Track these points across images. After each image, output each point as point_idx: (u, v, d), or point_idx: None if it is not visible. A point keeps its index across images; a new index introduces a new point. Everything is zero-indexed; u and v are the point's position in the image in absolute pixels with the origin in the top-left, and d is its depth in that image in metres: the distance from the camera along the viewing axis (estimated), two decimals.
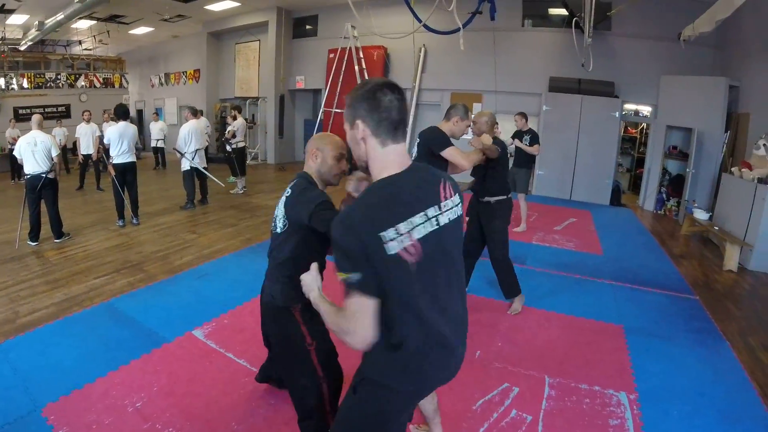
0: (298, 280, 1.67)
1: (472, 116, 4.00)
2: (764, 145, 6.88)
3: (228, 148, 9.58)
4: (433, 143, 3.58)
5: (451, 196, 1.49)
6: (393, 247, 1.31)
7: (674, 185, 10.02)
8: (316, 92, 14.27)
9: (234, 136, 9.45)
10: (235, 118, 9.57)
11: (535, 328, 4.22)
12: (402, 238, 1.32)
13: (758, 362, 3.85)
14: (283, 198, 2.17)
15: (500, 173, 4.18)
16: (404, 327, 1.39)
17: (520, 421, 2.93)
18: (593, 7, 7.78)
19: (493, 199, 4.14)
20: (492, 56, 9.96)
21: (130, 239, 6.39)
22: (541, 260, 6.14)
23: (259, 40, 14.51)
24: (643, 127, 11.98)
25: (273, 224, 2.22)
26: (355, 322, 1.33)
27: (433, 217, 1.41)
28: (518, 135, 7.24)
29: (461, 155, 3.53)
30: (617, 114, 10.23)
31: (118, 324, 3.99)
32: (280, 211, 2.17)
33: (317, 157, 2.19)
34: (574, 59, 9.71)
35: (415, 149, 3.76)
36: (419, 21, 6.46)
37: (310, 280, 1.61)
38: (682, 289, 5.42)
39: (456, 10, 5.94)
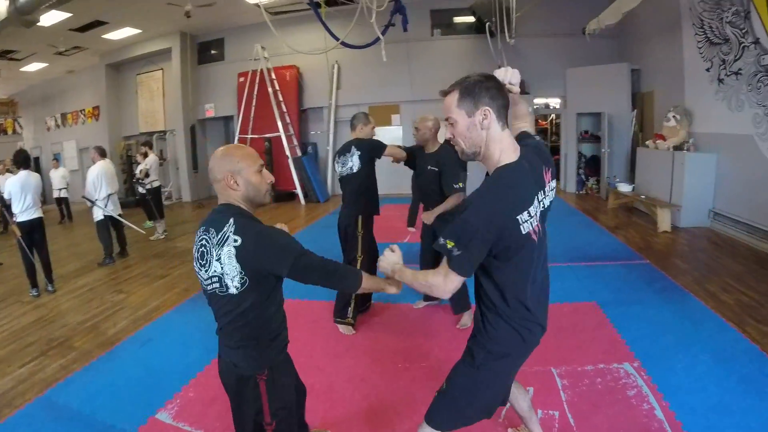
0: (264, 342, 1.73)
1: (415, 122, 3.87)
2: (674, 117, 7.46)
3: (141, 189, 8.60)
4: (375, 152, 3.82)
5: (551, 180, 1.64)
6: (525, 228, 1.49)
7: (591, 166, 10.67)
8: (228, 119, 13.60)
9: (147, 175, 8.41)
10: (146, 155, 8.57)
11: None
12: (531, 220, 1.51)
13: (723, 304, 4.21)
14: (228, 248, 1.60)
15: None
16: (526, 294, 1.63)
17: (550, 419, 2.79)
18: (514, 11, 8.08)
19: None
20: (405, 67, 10.07)
21: (50, 311, 5.31)
22: None
23: (162, 69, 13.57)
24: (552, 118, 12.67)
25: (211, 283, 1.68)
26: (447, 285, 1.55)
27: (541, 200, 1.59)
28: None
29: (397, 148, 3.82)
30: (530, 109, 10.67)
31: (63, 423, 3.09)
32: (227, 266, 1.61)
33: (237, 182, 1.69)
34: (485, 63, 10.22)
35: (353, 161, 3.79)
36: (336, 39, 6.33)
37: (393, 257, 1.77)
38: (631, 257, 5.67)
39: (368, 23, 5.88)
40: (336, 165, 4.01)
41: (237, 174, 1.67)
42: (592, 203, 9.49)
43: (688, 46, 7.21)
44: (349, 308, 3.96)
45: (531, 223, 1.50)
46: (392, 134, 11.38)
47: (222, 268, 1.62)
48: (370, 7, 6.24)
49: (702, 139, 7.01)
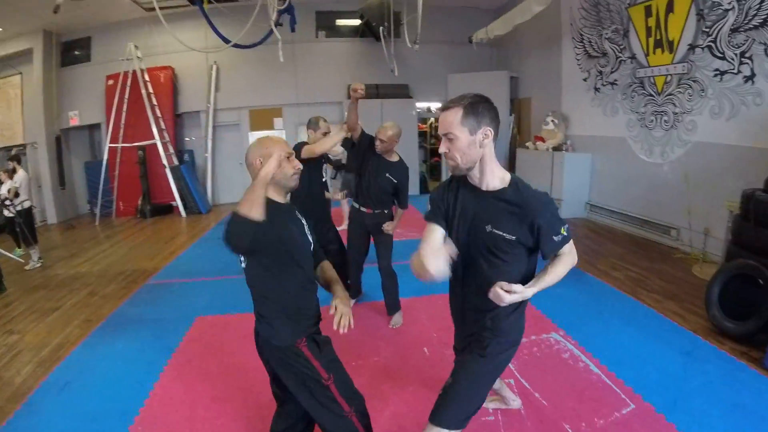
0: (293, 313, 1.85)
1: (379, 132, 3.68)
2: (552, 121, 8.29)
3: (8, 212, 7.05)
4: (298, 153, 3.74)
5: None
6: None
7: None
8: (93, 128, 11.85)
9: (17, 195, 6.98)
10: (14, 172, 7.07)
11: (435, 313, 4.18)
12: None
13: (616, 279, 4.89)
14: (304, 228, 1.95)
15: None
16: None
17: (508, 386, 2.99)
18: (403, 16, 8.33)
19: (386, 210, 3.91)
20: (290, 69, 9.83)
21: None
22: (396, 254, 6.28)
23: (21, 73, 11.47)
24: (431, 122, 13.28)
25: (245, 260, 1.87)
26: (575, 256, 1.85)
27: None
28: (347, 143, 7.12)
29: (310, 147, 3.72)
30: (414, 112, 11.12)
31: None
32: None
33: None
34: (372, 66, 10.44)
35: None
36: (226, 41, 6.02)
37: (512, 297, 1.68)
38: None
39: (255, 23, 5.68)
40: None
41: (266, 158, 1.79)
42: None
43: (567, 57, 8.08)
44: None
45: None
46: None
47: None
48: (264, 5, 6.04)
49: (579, 141, 7.90)
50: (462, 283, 1.80)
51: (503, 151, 10.21)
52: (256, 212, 1.57)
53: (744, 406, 2.73)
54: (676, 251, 5.73)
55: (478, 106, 1.61)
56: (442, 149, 1.68)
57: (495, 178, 1.67)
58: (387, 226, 3.81)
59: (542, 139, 8.48)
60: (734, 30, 4.73)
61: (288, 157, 1.85)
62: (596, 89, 7.35)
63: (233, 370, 3.30)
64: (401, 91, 10.84)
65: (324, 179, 4.07)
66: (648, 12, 5.91)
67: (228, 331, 3.92)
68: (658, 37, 5.81)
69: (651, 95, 6.13)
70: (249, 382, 3.14)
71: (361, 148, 3.80)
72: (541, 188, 1.72)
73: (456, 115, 1.61)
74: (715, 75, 5.07)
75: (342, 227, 6.99)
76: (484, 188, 1.68)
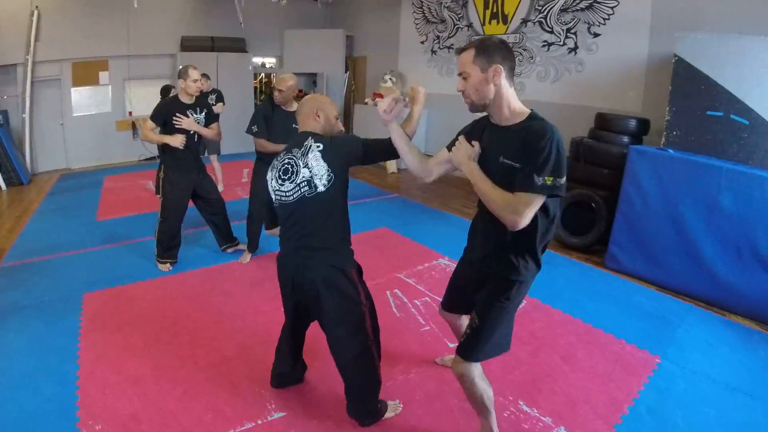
0: (348, 241, 2.14)
1: (278, 83, 3.86)
2: (390, 78, 8.97)
3: None
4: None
5: None
6: None
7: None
8: None
9: None
10: None
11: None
12: None
13: (471, 215, 5.61)
14: (313, 153, 2.04)
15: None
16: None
17: (425, 304, 3.65)
18: None
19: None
20: (118, 17, 8.72)
21: None
22: None
23: None
24: (261, 77, 13.01)
25: (299, 190, 2.05)
26: (527, 212, 1.62)
27: None
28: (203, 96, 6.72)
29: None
30: (250, 67, 10.84)
31: None
32: (315, 167, 2.02)
33: (320, 117, 2.17)
34: (207, 17, 9.87)
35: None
36: None
37: (468, 150, 1.86)
38: (384, 194, 6.85)
39: None
40: None
41: (321, 111, 2.18)
42: None
43: (405, 21, 8.79)
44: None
45: None
46: (100, 95, 9.64)
47: (310, 171, 2.03)
48: None
49: None
50: (484, 210, 1.87)
51: (339, 107, 10.65)
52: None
53: (600, 293, 3.78)
54: None
55: (489, 46, 1.72)
56: (459, 87, 1.82)
57: (512, 113, 1.77)
58: None
59: (381, 96, 9.10)
60: (563, 10, 5.91)
61: (337, 118, 2.25)
62: (433, 51, 8.23)
63: (161, 340, 3.05)
64: (237, 45, 10.41)
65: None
66: None
67: (131, 302, 3.55)
68: (495, 10, 6.84)
69: None
70: (184, 347, 2.96)
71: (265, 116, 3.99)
72: None
73: (469, 54, 1.74)
74: (543, 46, 6.26)
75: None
76: (503, 123, 1.80)
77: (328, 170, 2.02)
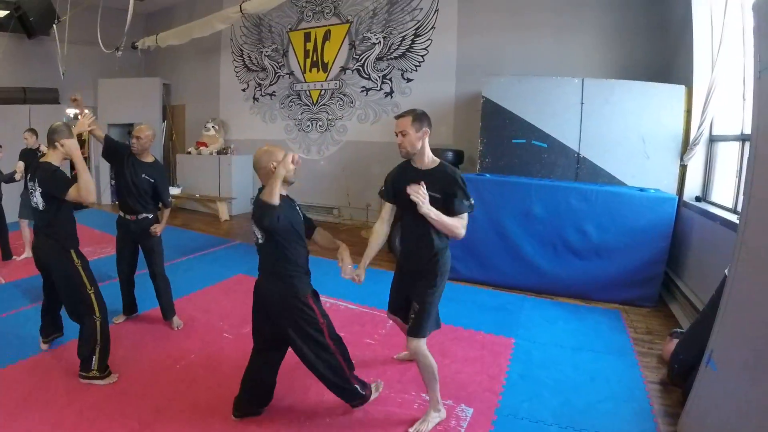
0: (304, 272, 2.47)
1: (135, 132, 3.65)
2: (213, 126, 8.89)
3: None
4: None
5: None
6: None
7: None
8: None
9: None
10: None
11: (208, 307, 4.29)
12: None
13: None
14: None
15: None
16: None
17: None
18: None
19: (151, 215, 3.88)
20: None
21: None
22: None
23: None
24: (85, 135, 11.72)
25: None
26: (466, 225, 2.41)
27: None
28: (30, 154, 5.62)
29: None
30: (64, 119, 9.74)
31: None
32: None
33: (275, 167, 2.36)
34: (18, 65, 8.85)
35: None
36: None
37: (427, 198, 2.30)
38: (222, 242, 6.67)
39: None
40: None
41: (276, 162, 2.32)
42: None
43: (225, 69, 8.85)
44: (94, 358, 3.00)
45: None
46: None
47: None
48: None
49: (240, 144, 8.79)
50: (409, 230, 2.57)
51: (159, 157, 10.08)
52: (276, 200, 2.16)
53: (448, 297, 4.18)
54: (341, 225, 7.36)
55: (420, 115, 2.45)
56: (398, 141, 2.48)
57: (429, 160, 2.51)
58: (155, 228, 3.83)
59: (205, 144, 8.95)
60: (379, 58, 6.63)
61: (292, 160, 2.35)
62: (255, 99, 8.43)
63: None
64: (50, 96, 9.30)
65: None
66: (307, 38, 7.39)
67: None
68: (315, 59, 7.35)
69: (307, 105, 7.62)
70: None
71: (117, 150, 3.79)
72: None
73: (407, 120, 2.43)
74: (362, 91, 6.91)
75: (24, 255, 5.87)
76: (423, 168, 2.50)
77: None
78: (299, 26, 7.59)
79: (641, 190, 4.40)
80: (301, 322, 2.38)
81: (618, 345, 3.49)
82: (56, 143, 2.89)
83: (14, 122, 8.04)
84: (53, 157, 2.92)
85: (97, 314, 2.96)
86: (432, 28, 6.34)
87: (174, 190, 8.95)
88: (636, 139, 4.65)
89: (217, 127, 8.92)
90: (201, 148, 8.96)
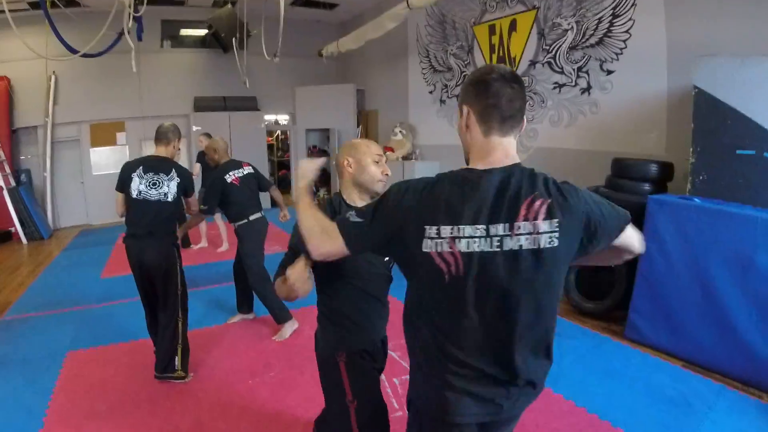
0: (337, 319, 1.77)
1: (205, 144, 3.86)
2: (400, 131, 8.64)
3: None
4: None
5: (535, 219, 1.20)
6: (427, 245, 1.22)
7: (320, 178, 11.31)
8: None
9: None
10: None
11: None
12: (441, 241, 1.21)
13: None
14: None
15: (231, 200, 3.87)
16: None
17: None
18: (252, 28, 8.01)
19: (235, 224, 3.92)
20: (131, 81, 8.89)
21: None
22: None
23: None
24: (278, 135, 13.08)
25: None
26: (324, 243, 1.34)
27: (495, 236, 1.20)
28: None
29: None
30: (262, 125, 10.84)
31: None
32: None
33: (350, 167, 1.79)
34: (218, 78, 10.09)
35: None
36: (74, 51, 5.26)
37: (308, 167, 1.57)
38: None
39: (98, 31, 5.18)
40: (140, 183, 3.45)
41: (351, 158, 1.78)
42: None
43: (413, 71, 8.52)
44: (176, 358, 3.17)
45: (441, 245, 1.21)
46: (118, 155, 9.67)
47: None
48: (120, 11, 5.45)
49: (426, 150, 8.37)
50: None
51: None
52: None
53: (614, 372, 3.06)
54: None
55: (466, 81, 1.46)
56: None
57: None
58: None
59: (392, 150, 8.77)
60: (572, 48, 5.41)
61: (377, 162, 1.79)
62: (442, 101, 7.85)
63: (123, 407, 2.94)
64: (249, 104, 10.54)
65: None
66: (492, 30, 6.51)
67: (107, 365, 3.47)
68: (501, 54, 6.42)
69: None
70: (142, 417, 2.82)
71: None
72: None
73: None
74: (554, 88, 5.73)
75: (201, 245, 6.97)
76: None
77: None
78: (483, 19, 6.74)
79: None
80: None
81: None
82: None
83: (216, 126, 9.08)
84: None
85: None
86: (633, 5, 4.83)
87: None
88: None
89: (404, 131, 8.65)
90: (388, 152, 8.80)
